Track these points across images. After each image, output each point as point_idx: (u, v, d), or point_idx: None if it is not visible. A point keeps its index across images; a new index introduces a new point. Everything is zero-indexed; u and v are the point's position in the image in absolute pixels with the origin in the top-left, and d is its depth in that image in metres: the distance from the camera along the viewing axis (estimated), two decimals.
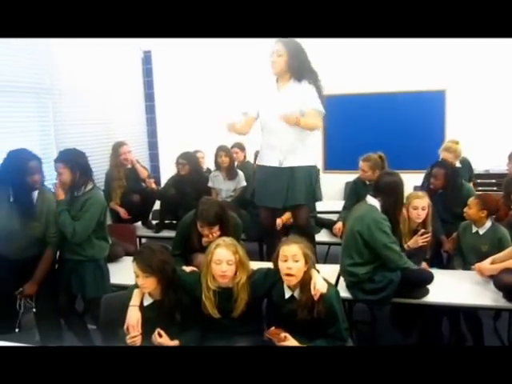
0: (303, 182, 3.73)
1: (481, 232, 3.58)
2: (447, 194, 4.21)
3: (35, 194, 3.22)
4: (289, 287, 2.63)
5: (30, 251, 3.24)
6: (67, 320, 3.53)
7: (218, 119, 3.55)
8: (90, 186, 3.31)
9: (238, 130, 3.72)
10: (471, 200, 3.60)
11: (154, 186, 5.08)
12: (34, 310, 3.25)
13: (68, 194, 3.30)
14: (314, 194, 3.97)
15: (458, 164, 4.72)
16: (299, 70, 3.60)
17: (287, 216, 4.43)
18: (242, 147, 5.82)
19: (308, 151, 3.79)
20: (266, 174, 3.77)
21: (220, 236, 3.09)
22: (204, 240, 3.24)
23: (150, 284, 2.59)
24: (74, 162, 3.25)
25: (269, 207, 3.90)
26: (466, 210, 3.64)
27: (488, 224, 3.56)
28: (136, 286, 2.68)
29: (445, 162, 4.40)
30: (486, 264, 3.21)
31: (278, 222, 4.35)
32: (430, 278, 3.13)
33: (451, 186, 4.19)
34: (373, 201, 3.18)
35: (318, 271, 2.68)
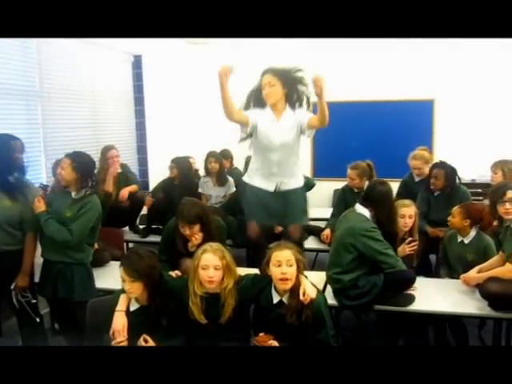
0: (300, 203, 3.72)
1: (466, 241, 3.62)
2: (445, 194, 4.36)
3: (16, 175, 3.23)
4: (277, 292, 2.64)
5: (7, 240, 3.22)
6: (62, 325, 3.51)
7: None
8: (89, 192, 3.31)
9: (229, 105, 3.43)
10: (455, 209, 3.66)
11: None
12: (34, 300, 3.28)
13: (64, 195, 3.32)
14: (305, 216, 3.90)
15: None
16: (293, 95, 3.55)
17: None
18: (227, 155, 5.86)
19: (301, 172, 3.80)
20: (262, 198, 3.69)
21: (204, 238, 3.15)
22: (190, 245, 3.25)
23: (136, 289, 2.58)
24: (80, 163, 3.26)
25: (256, 224, 3.86)
26: (449, 218, 3.69)
27: (473, 233, 3.61)
28: (122, 291, 2.67)
29: (444, 162, 4.50)
30: (472, 273, 3.25)
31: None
32: (411, 278, 3.16)
33: (451, 186, 4.36)
34: (362, 210, 3.19)
35: (306, 277, 2.69)
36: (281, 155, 3.54)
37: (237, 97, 3.50)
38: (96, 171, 4.73)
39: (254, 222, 3.82)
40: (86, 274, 3.37)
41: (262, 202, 3.67)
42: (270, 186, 3.63)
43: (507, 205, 3.05)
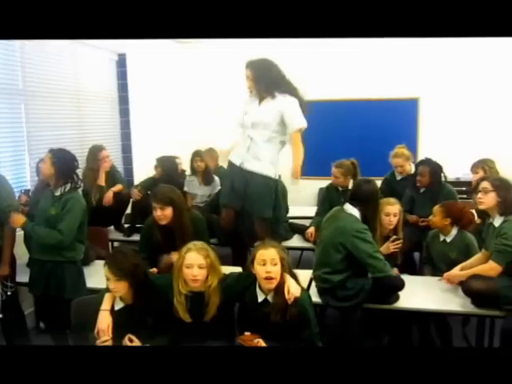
0: (260, 192, 3.80)
1: (448, 240, 3.66)
2: (431, 191, 4.44)
3: None
4: (262, 291, 2.65)
5: None
6: (49, 324, 3.48)
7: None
8: (69, 187, 3.29)
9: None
10: (435, 208, 3.70)
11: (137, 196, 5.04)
12: (9, 293, 3.26)
13: (46, 194, 3.34)
14: (276, 210, 3.96)
15: (413, 168, 4.87)
16: (268, 88, 3.72)
17: None
18: (212, 155, 5.86)
19: (271, 163, 3.87)
20: (231, 172, 3.94)
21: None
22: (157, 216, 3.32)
23: (121, 288, 2.57)
24: (59, 159, 3.26)
25: (229, 208, 4.00)
26: (430, 217, 3.75)
27: (454, 232, 3.65)
28: (107, 290, 2.66)
29: (429, 159, 4.58)
30: (454, 271, 3.27)
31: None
32: (401, 285, 3.17)
33: (436, 182, 4.44)
34: (352, 210, 3.20)
35: (295, 275, 2.70)
36: (252, 133, 3.79)
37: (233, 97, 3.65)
38: (80, 169, 4.75)
39: (226, 208, 3.97)
40: (77, 272, 3.35)
41: (231, 177, 3.89)
42: (236, 160, 3.88)
43: (479, 194, 3.13)
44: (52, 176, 3.26)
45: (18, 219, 3.21)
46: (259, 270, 2.59)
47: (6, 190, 3.34)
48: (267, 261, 2.57)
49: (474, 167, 4.65)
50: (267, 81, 3.69)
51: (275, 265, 2.57)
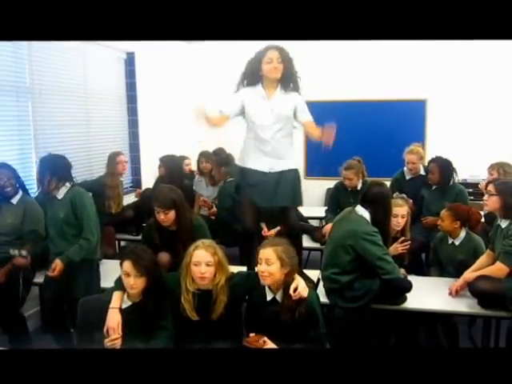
0: (290, 185, 3.59)
1: (456, 243, 3.66)
2: (442, 188, 4.53)
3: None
4: (270, 290, 2.66)
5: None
6: (51, 323, 3.47)
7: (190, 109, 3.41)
8: (69, 185, 3.34)
9: (211, 120, 3.48)
10: (443, 213, 3.70)
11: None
12: None
13: (51, 199, 3.39)
14: (299, 198, 3.74)
15: (422, 170, 4.92)
16: (290, 78, 3.49)
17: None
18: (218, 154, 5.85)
19: (294, 154, 3.70)
20: (254, 178, 3.58)
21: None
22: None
23: (139, 284, 2.58)
24: (45, 169, 3.32)
25: (253, 207, 3.62)
26: (439, 222, 3.75)
27: (462, 234, 3.65)
28: (115, 288, 2.67)
29: (439, 157, 4.64)
30: (467, 275, 3.22)
31: (265, 229, 4.22)
32: (408, 287, 3.17)
33: (446, 179, 4.51)
34: (364, 212, 3.20)
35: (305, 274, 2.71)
36: (273, 134, 3.47)
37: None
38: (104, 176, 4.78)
39: (250, 205, 3.60)
40: (91, 272, 3.34)
41: (255, 182, 3.56)
42: (263, 167, 3.53)
43: (485, 196, 3.22)
44: (52, 184, 3.31)
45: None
46: (258, 268, 2.63)
47: (33, 215, 3.47)
48: (262, 260, 2.60)
49: (491, 168, 4.68)
50: (292, 70, 3.47)
51: (269, 265, 2.58)
